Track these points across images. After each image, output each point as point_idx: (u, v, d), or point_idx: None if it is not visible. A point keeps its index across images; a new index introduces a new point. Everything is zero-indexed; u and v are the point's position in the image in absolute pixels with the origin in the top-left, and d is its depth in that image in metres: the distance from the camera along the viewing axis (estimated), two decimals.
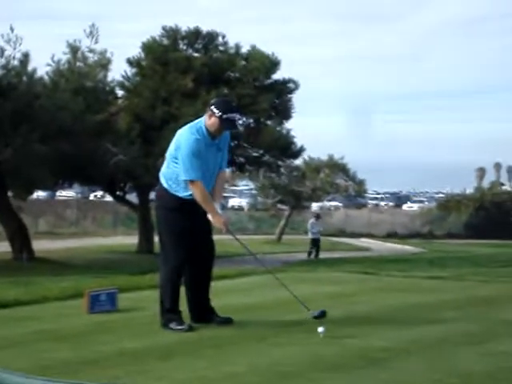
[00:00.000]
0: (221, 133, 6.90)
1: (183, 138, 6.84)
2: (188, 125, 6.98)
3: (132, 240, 34.56)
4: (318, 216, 32.84)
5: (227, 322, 7.11)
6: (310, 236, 31.67)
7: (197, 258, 7.03)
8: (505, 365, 5.66)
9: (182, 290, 7.11)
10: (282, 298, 8.71)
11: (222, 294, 8.14)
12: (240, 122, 6.86)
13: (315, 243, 31.14)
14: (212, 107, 6.84)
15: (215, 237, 7.23)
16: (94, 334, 6.79)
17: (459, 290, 9.85)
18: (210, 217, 6.86)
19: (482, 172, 67.50)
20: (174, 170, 6.89)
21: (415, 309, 8.17)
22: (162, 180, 7.03)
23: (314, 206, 53.13)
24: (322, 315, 6.85)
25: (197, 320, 7.07)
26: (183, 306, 7.10)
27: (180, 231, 6.92)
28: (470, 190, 59.31)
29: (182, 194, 6.89)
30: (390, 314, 7.84)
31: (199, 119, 6.97)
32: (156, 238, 31.14)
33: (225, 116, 6.79)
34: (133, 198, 35.03)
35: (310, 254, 31.02)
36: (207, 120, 6.86)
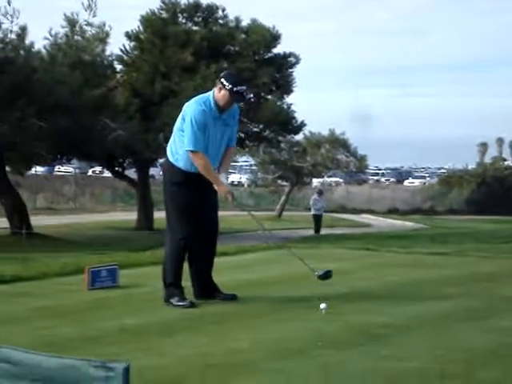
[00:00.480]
0: (230, 106, 6.87)
1: (190, 109, 6.80)
2: (196, 97, 6.93)
3: (131, 216, 34.57)
4: (320, 192, 32.66)
5: (231, 298, 7.08)
6: (312, 212, 31.47)
7: (201, 233, 6.99)
8: (507, 340, 5.63)
9: (186, 265, 7.06)
10: (284, 274, 8.72)
11: (224, 271, 8.10)
12: (247, 94, 6.93)
13: (317, 219, 31.00)
14: (222, 80, 6.80)
15: (219, 213, 7.20)
16: (94, 310, 6.76)
17: (461, 266, 9.83)
18: (214, 187, 6.82)
19: (484, 147, 67.31)
20: (181, 144, 6.82)
21: (417, 285, 8.15)
22: (169, 154, 6.98)
23: (315, 181, 53.13)
24: (326, 275, 6.91)
25: (200, 296, 7.04)
26: (186, 281, 7.04)
27: (185, 206, 6.88)
28: (472, 166, 59.25)
29: (188, 167, 6.83)
30: (392, 290, 7.82)
31: (208, 92, 6.90)
32: (156, 215, 31.31)
33: (235, 89, 6.76)
34: (132, 173, 34.97)
35: (318, 230, 30.83)
36: (217, 93, 6.81)
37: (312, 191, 50.90)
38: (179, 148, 6.87)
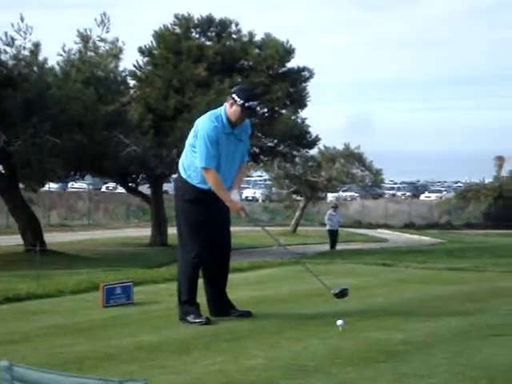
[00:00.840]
0: (242, 121, 6.81)
1: (201, 126, 6.74)
2: (208, 112, 6.89)
3: (144, 232, 34.59)
4: (336, 206, 32.17)
5: (246, 315, 7.02)
6: (327, 227, 31.06)
7: (214, 250, 6.93)
8: None
9: (200, 282, 7.01)
10: (298, 291, 8.63)
11: (238, 287, 8.06)
12: (259, 109, 6.90)
13: (333, 234, 30.68)
14: (233, 95, 6.75)
15: (231, 229, 7.16)
16: (110, 327, 6.73)
17: (479, 282, 9.72)
18: (226, 203, 6.80)
19: (501, 161, 66.85)
20: (193, 160, 6.78)
21: (435, 301, 8.05)
22: (181, 170, 6.93)
23: (330, 196, 53.01)
24: (343, 293, 6.82)
25: (215, 314, 6.98)
26: (201, 298, 6.99)
27: (198, 223, 6.83)
28: (488, 179, 58.87)
29: (202, 184, 6.78)
30: (410, 306, 7.73)
31: (219, 108, 6.85)
32: (169, 231, 31.34)
33: (247, 104, 6.71)
34: (145, 189, 35.01)
35: (333, 245, 30.57)
36: (228, 108, 6.76)
37: (327, 206, 50.91)
38: (191, 164, 6.82)
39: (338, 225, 31.11)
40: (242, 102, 6.69)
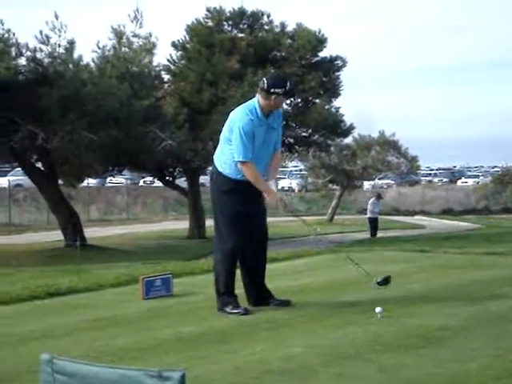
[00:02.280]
0: (274, 108, 6.84)
1: (237, 119, 6.77)
2: (241, 105, 6.92)
3: (182, 225, 34.75)
4: (379, 196, 31.70)
5: (285, 304, 7.05)
6: (368, 215, 30.84)
7: (252, 241, 6.97)
8: None
9: (238, 273, 7.05)
10: (336, 279, 8.64)
11: (275, 277, 8.07)
12: (289, 93, 6.83)
13: (373, 222, 30.50)
14: (263, 84, 6.79)
15: (269, 219, 7.19)
16: (149, 319, 6.78)
17: None
18: (264, 195, 6.82)
19: None
20: (228, 153, 6.83)
21: (473, 285, 8.01)
22: (217, 163, 6.98)
23: (366, 184, 52.77)
24: (385, 282, 6.79)
25: (254, 303, 7.02)
26: (239, 289, 7.03)
27: (235, 214, 6.87)
28: None
29: (237, 176, 6.82)
30: (448, 291, 7.70)
31: (252, 100, 6.88)
32: (207, 223, 31.52)
33: (272, 90, 6.74)
34: (182, 182, 35.17)
35: (372, 233, 30.46)
36: (260, 99, 6.77)
37: (363, 194, 50.70)
38: (227, 157, 6.86)
39: (378, 213, 30.89)
40: (267, 88, 6.72)
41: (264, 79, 6.90)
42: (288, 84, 6.88)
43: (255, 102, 6.82)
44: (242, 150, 6.68)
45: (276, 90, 6.74)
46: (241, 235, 6.87)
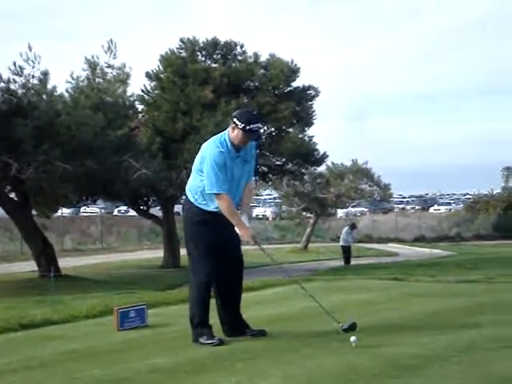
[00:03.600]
0: (245, 144, 6.87)
1: (208, 152, 6.81)
2: (212, 138, 6.95)
3: (157, 254, 34.64)
4: (353, 225, 31.89)
5: (261, 334, 7.07)
6: (341, 243, 30.96)
7: (226, 271, 6.99)
8: None
9: (213, 303, 7.06)
10: (311, 309, 8.62)
11: (249, 306, 8.08)
12: (262, 131, 6.78)
13: (346, 250, 30.61)
14: (234, 119, 6.81)
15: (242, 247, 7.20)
16: (124, 351, 6.76)
17: (490, 293, 9.73)
18: (237, 229, 6.84)
19: (508, 171, 66.78)
20: (200, 184, 6.86)
21: (447, 314, 8.08)
22: (188, 193, 7.00)
23: (340, 212, 52.96)
24: (352, 328, 6.73)
25: (229, 334, 7.03)
26: (214, 319, 7.04)
27: (207, 244, 6.88)
28: (497, 191, 58.81)
29: (209, 207, 6.86)
30: (422, 319, 7.75)
31: (223, 132, 6.93)
32: (182, 252, 31.22)
33: (248, 127, 6.75)
34: (157, 211, 35.10)
35: (345, 260, 30.60)
36: (231, 132, 6.83)
37: (337, 222, 50.87)
38: (198, 188, 6.89)
39: (351, 242, 31.02)
40: (243, 125, 6.74)
41: (235, 115, 6.88)
42: (258, 122, 6.88)
43: (226, 135, 6.85)
44: (215, 182, 6.71)
45: (249, 126, 6.74)
46: (214, 266, 6.88)
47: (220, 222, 6.81)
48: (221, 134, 6.93)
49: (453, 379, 5.26)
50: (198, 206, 6.91)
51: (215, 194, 6.74)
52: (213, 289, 7.02)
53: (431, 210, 69.47)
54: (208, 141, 6.96)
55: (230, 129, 6.84)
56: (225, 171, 6.74)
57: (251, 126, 6.77)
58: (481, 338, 6.67)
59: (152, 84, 30.11)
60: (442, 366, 5.67)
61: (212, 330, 6.90)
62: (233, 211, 6.79)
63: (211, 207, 6.85)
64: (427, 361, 5.82)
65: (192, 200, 6.96)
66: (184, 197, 7.26)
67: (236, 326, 7.08)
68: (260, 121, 7.03)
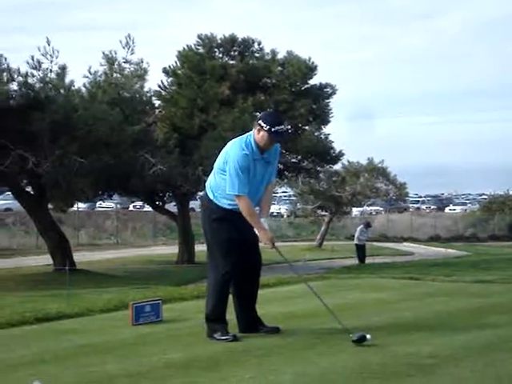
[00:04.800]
0: (270, 146, 6.86)
1: (232, 153, 6.80)
2: (237, 138, 6.93)
3: (172, 250, 34.69)
4: (368, 224, 31.83)
5: (275, 331, 7.07)
6: (355, 242, 31.02)
7: (244, 268, 6.99)
8: None
9: (230, 298, 7.06)
10: (325, 307, 8.63)
11: (264, 303, 8.07)
12: (288, 132, 6.76)
13: (360, 249, 30.62)
14: (260, 121, 6.80)
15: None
16: (139, 345, 6.77)
17: (506, 294, 9.68)
18: (256, 231, 6.85)
19: None
20: (221, 182, 6.87)
21: (463, 314, 8.04)
22: (208, 191, 7.01)
23: (355, 211, 52.85)
24: (362, 339, 6.60)
25: (244, 330, 7.03)
26: (230, 315, 7.04)
27: (226, 241, 6.89)
28: None
29: (228, 204, 6.86)
30: (437, 319, 7.72)
31: (248, 133, 6.92)
32: (196, 248, 31.32)
33: (273, 129, 6.74)
34: (172, 207, 35.16)
35: (360, 259, 30.58)
36: (256, 134, 6.81)
37: (352, 220, 50.79)
38: (219, 186, 6.90)
39: (365, 240, 31.01)
40: (268, 127, 6.74)
41: (261, 117, 6.88)
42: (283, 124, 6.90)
43: (251, 137, 6.84)
44: (237, 184, 6.71)
45: (274, 128, 6.73)
46: (233, 262, 6.89)
47: (237, 219, 6.81)
48: (246, 134, 6.91)
49: (467, 380, 5.25)
50: (217, 203, 6.92)
51: (236, 195, 6.75)
52: (230, 285, 7.02)
53: (447, 209, 69.22)
54: (233, 141, 6.95)
55: (255, 130, 6.82)
56: (247, 174, 6.74)
57: (277, 127, 6.76)
58: (497, 338, 6.65)
59: (169, 80, 30.12)
60: (457, 366, 5.66)
61: (227, 326, 6.91)
62: (252, 212, 6.80)
63: (230, 206, 6.86)
64: (442, 361, 5.80)
65: (211, 197, 6.96)
66: (203, 193, 7.27)
67: (250, 323, 7.08)
68: (284, 124, 7.02)
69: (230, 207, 6.87)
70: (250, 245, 7.03)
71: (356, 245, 30.84)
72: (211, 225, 7.01)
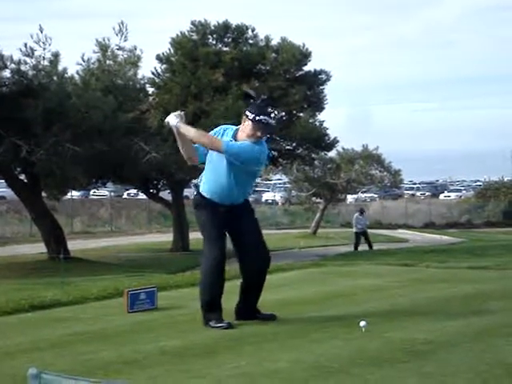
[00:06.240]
0: (253, 138, 6.72)
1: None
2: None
3: (166, 238, 34.69)
4: (362, 210, 32.44)
5: (270, 318, 7.06)
6: (354, 230, 31.59)
7: (250, 261, 6.93)
8: None
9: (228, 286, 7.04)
10: (320, 293, 8.66)
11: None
12: (273, 126, 6.60)
13: (359, 236, 30.91)
14: (246, 111, 6.79)
15: None
16: (134, 333, 6.77)
17: (501, 280, 9.70)
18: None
19: None
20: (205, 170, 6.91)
21: (458, 300, 8.04)
22: (199, 178, 7.04)
23: (350, 198, 52.88)
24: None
25: (240, 317, 7.03)
26: (228, 302, 7.02)
27: (210, 229, 6.87)
28: (508, 178, 58.54)
29: (207, 194, 6.88)
30: (432, 305, 7.73)
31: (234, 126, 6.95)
32: (191, 236, 31.39)
33: (257, 118, 6.70)
34: (166, 195, 35.14)
35: (356, 247, 30.90)
36: (242, 125, 6.81)
37: (347, 208, 50.82)
38: (203, 173, 6.95)
39: (364, 227, 31.25)
40: (252, 116, 6.70)
41: (249, 107, 6.83)
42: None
43: (234, 127, 6.88)
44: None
45: (259, 117, 6.70)
46: (218, 247, 6.84)
47: (215, 210, 6.81)
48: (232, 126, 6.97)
49: (463, 365, 5.24)
50: (201, 190, 6.92)
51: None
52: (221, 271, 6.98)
53: (441, 196, 69.29)
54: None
55: (242, 122, 6.81)
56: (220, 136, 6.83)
57: (262, 117, 6.70)
58: (492, 324, 6.65)
59: (163, 67, 30.03)
60: (452, 352, 5.66)
61: (221, 314, 6.89)
62: (204, 135, 6.88)
63: (210, 192, 6.84)
64: (437, 347, 5.81)
65: (199, 183, 6.97)
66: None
67: (248, 311, 7.07)
68: (270, 115, 6.95)
69: (209, 195, 6.85)
70: (249, 237, 6.93)
71: (355, 233, 31.28)
72: (196, 213, 7.03)
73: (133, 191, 53.47)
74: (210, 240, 6.87)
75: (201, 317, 6.94)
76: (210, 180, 6.84)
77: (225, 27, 29.88)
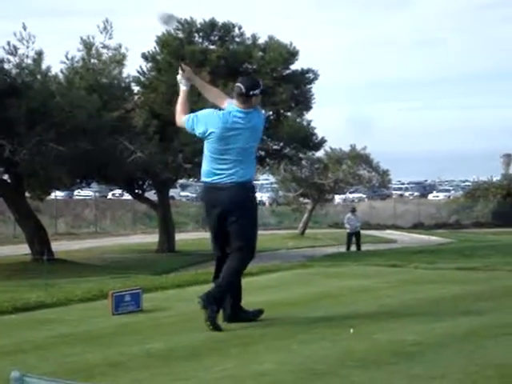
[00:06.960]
0: (244, 106, 6.87)
1: None
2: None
3: (152, 239, 34.62)
4: (353, 210, 32.21)
5: (259, 313, 6.99)
6: (347, 230, 31.28)
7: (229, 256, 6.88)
8: None
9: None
10: (309, 294, 8.59)
11: (247, 292, 7.99)
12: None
13: (351, 237, 30.78)
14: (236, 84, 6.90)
15: None
16: (119, 335, 6.70)
17: (490, 281, 9.67)
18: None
19: (508, 158, 66.78)
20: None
21: (446, 301, 8.01)
22: None
23: (337, 198, 52.95)
24: None
25: (227, 319, 6.91)
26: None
27: (209, 223, 6.91)
28: (496, 178, 58.77)
29: (205, 179, 6.84)
30: (421, 306, 7.69)
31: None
32: (177, 237, 31.27)
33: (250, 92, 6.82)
34: (152, 195, 35.03)
35: (348, 247, 30.83)
36: (237, 103, 6.91)
37: (335, 208, 50.86)
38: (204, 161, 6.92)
39: (356, 227, 31.08)
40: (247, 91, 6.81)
41: (239, 85, 6.92)
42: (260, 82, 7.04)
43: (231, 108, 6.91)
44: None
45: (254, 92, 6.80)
46: (216, 245, 6.87)
47: (208, 199, 6.82)
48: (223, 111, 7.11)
49: (452, 366, 5.19)
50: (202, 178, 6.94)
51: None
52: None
53: (430, 196, 69.47)
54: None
55: (236, 101, 6.95)
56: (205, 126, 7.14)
57: (251, 92, 6.83)
58: (481, 325, 6.61)
59: (148, 65, 29.99)
60: (441, 353, 5.62)
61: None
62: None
63: (206, 180, 6.83)
64: (425, 348, 5.75)
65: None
66: None
67: (235, 313, 6.96)
68: (258, 86, 6.97)
69: (205, 180, 6.84)
70: (232, 230, 6.83)
71: (348, 233, 31.03)
72: (255, 205, 7.04)
73: (118, 191, 53.33)
74: (211, 234, 6.88)
75: (186, 318, 6.83)
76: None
77: (211, 25, 29.85)
